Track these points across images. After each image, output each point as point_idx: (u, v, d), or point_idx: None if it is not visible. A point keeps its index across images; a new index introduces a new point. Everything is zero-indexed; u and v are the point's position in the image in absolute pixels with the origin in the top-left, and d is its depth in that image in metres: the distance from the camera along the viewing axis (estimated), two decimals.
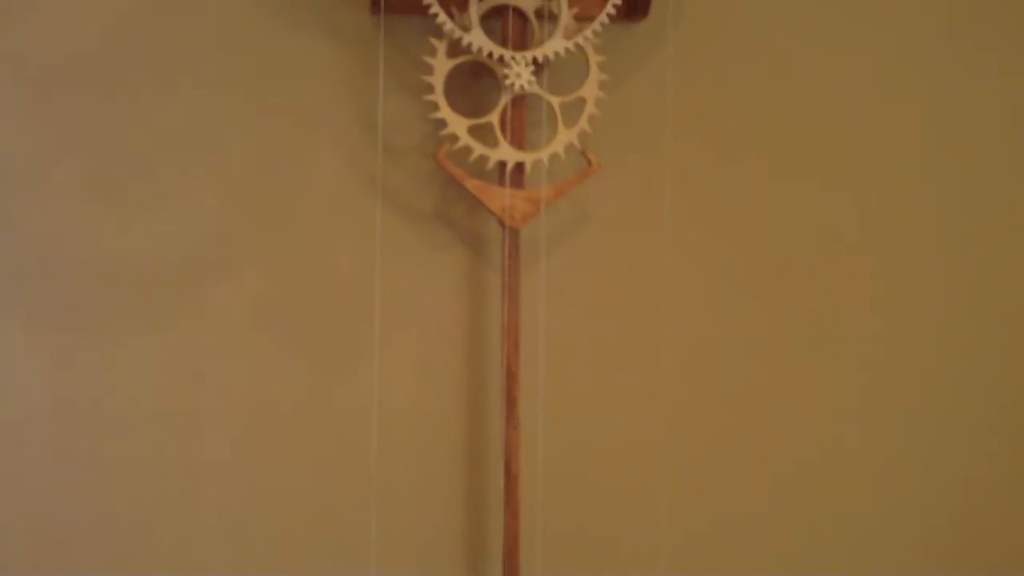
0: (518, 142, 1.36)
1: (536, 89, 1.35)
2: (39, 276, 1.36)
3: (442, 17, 1.31)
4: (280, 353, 1.41)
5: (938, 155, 1.55)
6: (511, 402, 1.37)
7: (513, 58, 1.33)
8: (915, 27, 1.54)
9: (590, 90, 1.37)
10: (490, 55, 1.33)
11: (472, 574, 1.45)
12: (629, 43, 1.45)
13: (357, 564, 1.41)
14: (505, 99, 1.35)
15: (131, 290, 1.37)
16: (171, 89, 1.38)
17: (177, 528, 1.40)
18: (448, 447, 1.44)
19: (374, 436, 1.40)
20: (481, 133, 1.35)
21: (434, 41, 1.34)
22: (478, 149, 1.35)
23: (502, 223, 1.36)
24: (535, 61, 1.34)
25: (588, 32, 1.35)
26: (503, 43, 1.35)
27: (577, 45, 1.35)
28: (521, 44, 1.36)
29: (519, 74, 1.34)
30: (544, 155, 1.36)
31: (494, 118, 1.35)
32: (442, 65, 1.34)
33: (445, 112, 1.34)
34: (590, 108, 1.37)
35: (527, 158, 1.36)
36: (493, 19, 1.36)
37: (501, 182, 1.36)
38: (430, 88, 1.34)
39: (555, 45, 1.34)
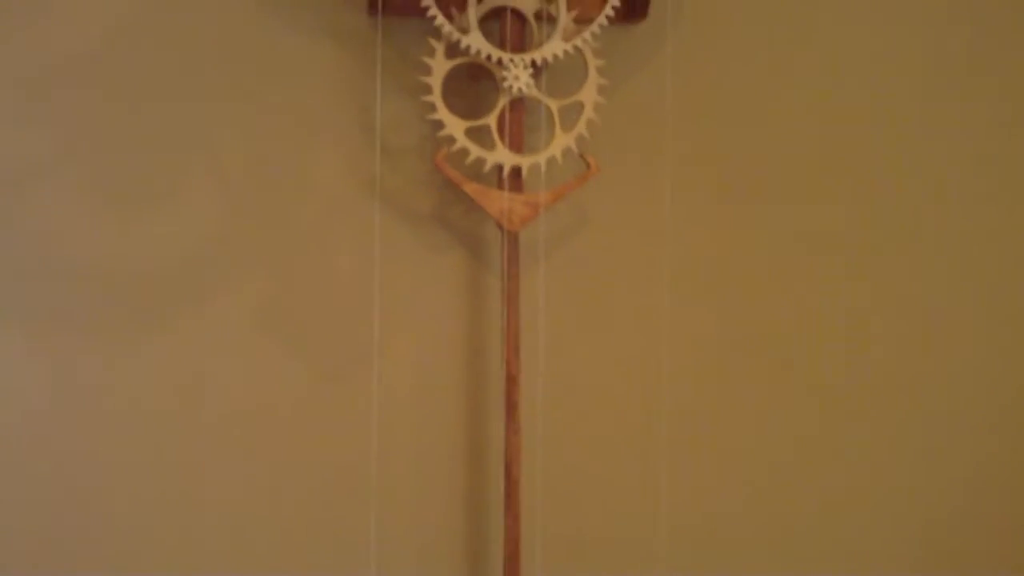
0: (516, 145, 1.36)
1: (534, 92, 1.34)
2: (38, 279, 1.35)
3: (440, 19, 1.31)
4: (279, 355, 1.40)
5: (938, 156, 1.55)
6: (511, 406, 1.36)
7: (511, 60, 1.33)
8: (914, 29, 1.54)
9: (588, 94, 1.36)
10: (488, 57, 1.33)
11: None
12: (628, 45, 1.45)
13: (357, 567, 1.41)
14: (503, 102, 1.34)
15: (130, 292, 1.37)
16: (170, 91, 1.37)
17: (177, 529, 1.39)
18: (448, 450, 1.44)
19: (374, 439, 1.40)
20: (479, 135, 1.35)
21: (433, 41, 1.33)
22: (475, 152, 1.34)
23: (501, 227, 1.35)
24: (534, 63, 1.33)
25: (587, 34, 1.34)
26: (502, 45, 1.34)
27: (576, 47, 1.34)
28: (520, 46, 1.35)
29: (517, 77, 1.33)
30: (541, 159, 1.35)
31: (492, 121, 1.35)
32: (440, 66, 1.34)
33: (443, 113, 1.33)
34: (588, 113, 1.36)
35: (524, 162, 1.35)
36: (492, 21, 1.36)
37: (499, 185, 1.36)
38: (428, 89, 1.33)
39: (554, 47, 1.34)
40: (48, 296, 1.35)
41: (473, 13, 1.32)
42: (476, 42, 1.32)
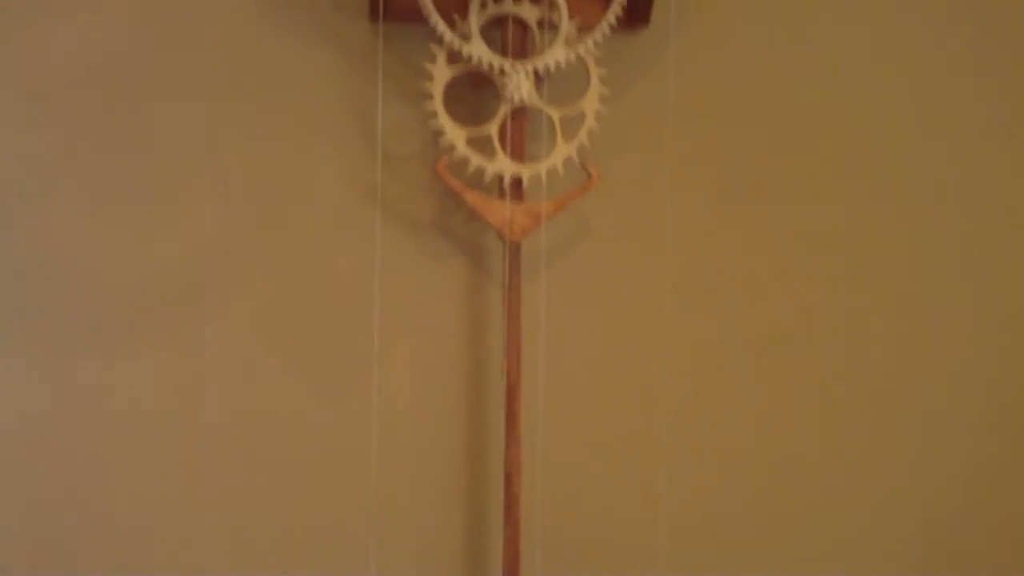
0: (517, 154, 1.35)
1: (536, 101, 1.33)
2: (37, 283, 1.35)
3: (441, 27, 1.30)
4: (278, 363, 1.40)
5: (939, 160, 1.54)
6: (512, 416, 1.36)
7: (513, 68, 1.32)
8: (917, 36, 1.53)
9: (590, 104, 1.36)
10: (490, 65, 1.32)
11: None
12: (630, 52, 1.44)
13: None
14: (504, 110, 1.34)
15: (130, 301, 1.37)
16: (170, 96, 1.37)
17: (177, 535, 1.39)
18: (448, 459, 1.43)
19: (374, 447, 1.39)
20: (480, 144, 1.34)
21: (434, 47, 1.32)
22: (475, 161, 1.33)
23: (502, 237, 1.35)
24: (535, 72, 1.33)
25: (589, 42, 1.33)
26: (504, 53, 1.33)
27: (578, 56, 1.33)
28: (522, 54, 1.34)
29: (519, 85, 1.32)
30: (542, 169, 1.35)
31: (493, 130, 1.34)
32: (442, 73, 1.33)
33: (444, 121, 1.33)
34: (590, 122, 1.35)
35: (525, 172, 1.34)
36: (494, 28, 1.35)
37: (500, 193, 1.35)
38: (429, 96, 1.33)
39: (555, 55, 1.33)
40: (47, 305, 1.35)
41: (475, 20, 1.31)
42: (478, 50, 1.31)
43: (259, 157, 1.39)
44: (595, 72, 1.35)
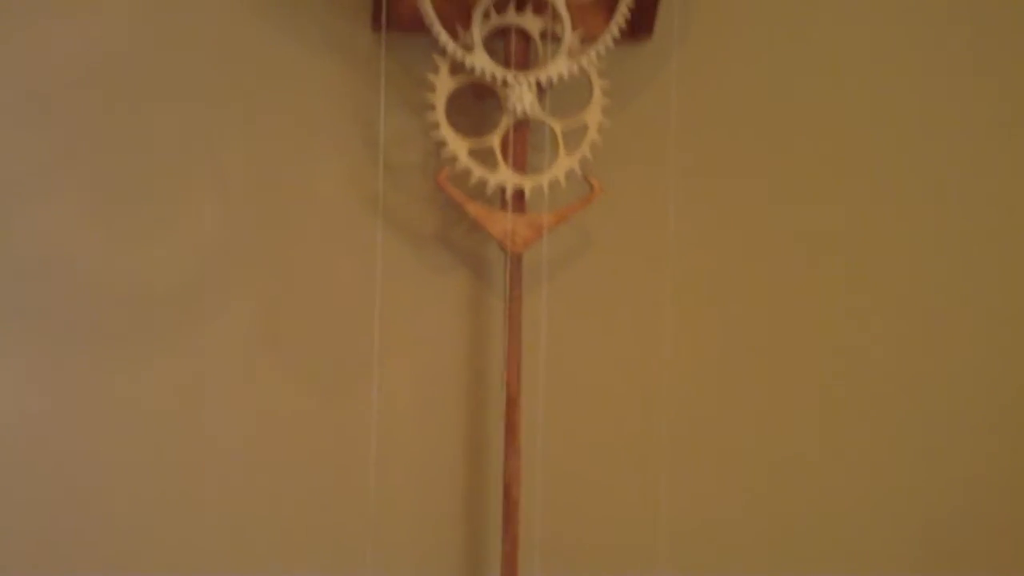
0: (519, 166, 1.35)
1: (538, 113, 1.33)
2: (37, 288, 1.35)
3: (444, 37, 1.30)
4: (278, 372, 1.40)
5: (939, 162, 1.54)
6: (512, 427, 1.36)
7: (516, 79, 1.32)
8: (917, 41, 1.53)
9: (593, 116, 1.35)
10: (493, 77, 1.31)
11: None
12: (633, 64, 1.44)
13: None
14: (507, 122, 1.33)
15: (129, 307, 1.36)
16: (171, 102, 1.37)
17: (176, 536, 1.39)
18: (447, 470, 1.43)
19: (372, 457, 1.39)
20: (482, 155, 1.34)
21: (437, 58, 1.32)
22: (477, 172, 1.33)
23: (503, 248, 1.35)
24: (538, 83, 1.32)
25: (592, 54, 1.33)
26: (506, 64, 1.33)
27: (581, 67, 1.33)
28: (525, 65, 1.34)
29: (521, 97, 1.32)
30: (544, 181, 1.34)
31: (495, 141, 1.34)
32: (444, 84, 1.32)
33: (446, 132, 1.32)
34: (592, 135, 1.35)
35: (527, 183, 1.34)
36: (497, 39, 1.34)
37: (502, 205, 1.35)
38: (431, 106, 1.32)
39: (559, 67, 1.32)
40: (47, 301, 1.35)
41: (478, 32, 1.31)
42: (480, 61, 1.31)
43: (261, 164, 1.39)
44: (598, 84, 1.35)
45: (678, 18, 1.44)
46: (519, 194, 1.35)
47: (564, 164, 1.35)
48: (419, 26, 1.30)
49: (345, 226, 1.40)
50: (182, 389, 1.38)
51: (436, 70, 1.32)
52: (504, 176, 1.34)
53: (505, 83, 1.32)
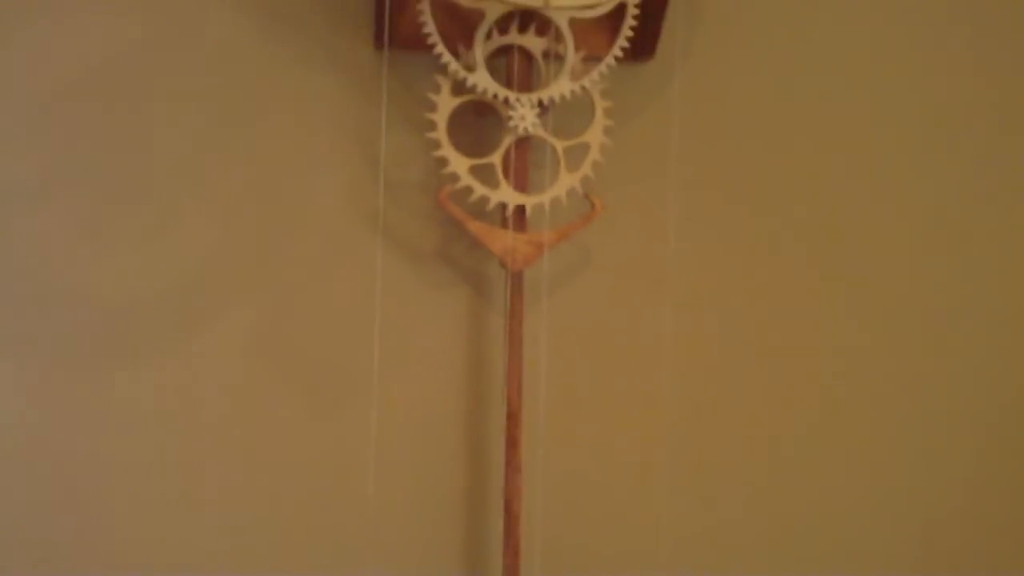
0: (521, 184, 1.35)
1: (540, 132, 1.33)
2: (29, 307, 1.35)
3: (446, 56, 1.30)
4: (276, 388, 1.40)
5: (939, 165, 1.55)
6: (512, 444, 1.36)
7: (518, 99, 1.32)
8: (925, 67, 1.53)
9: (595, 135, 1.35)
10: (495, 96, 1.32)
11: None
12: (635, 84, 1.44)
13: None
14: (508, 140, 1.34)
15: (126, 323, 1.37)
16: (172, 119, 1.37)
17: (175, 542, 1.39)
18: (447, 485, 1.43)
19: (371, 473, 1.39)
20: (483, 172, 1.34)
21: (439, 78, 1.32)
22: (479, 190, 1.33)
23: (504, 266, 1.35)
24: (540, 103, 1.32)
25: (595, 74, 1.33)
26: (508, 83, 1.33)
27: (583, 87, 1.33)
28: (527, 85, 1.34)
29: (523, 116, 1.32)
30: (545, 199, 1.35)
31: (496, 159, 1.34)
32: (446, 103, 1.33)
33: (447, 151, 1.33)
34: (594, 154, 1.35)
35: (528, 201, 1.34)
36: (499, 58, 1.34)
37: (503, 223, 1.35)
38: (433, 125, 1.32)
39: (561, 87, 1.32)
40: (39, 325, 1.35)
41: (480, 51, 1.31)
42: (482, 81, 1.31)
43: (262, 179, 1.39)
44: (600, 104, 1.35)
45: (680, 39, 1.44)
46: (520, 212, 1.35)
47: (565, 182, 1.35)
48: (421, 44, 1.30)
49: (345, 242, 1.40)
50: (181, 397, 1.38)
51: (438, 89, 1.32)
52: (505, 194, 1.34)
53: (507, 102, 1.32)
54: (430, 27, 1.29)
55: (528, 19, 1.33)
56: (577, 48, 1.33)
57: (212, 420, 1.39)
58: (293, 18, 1.38)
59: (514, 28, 1.33)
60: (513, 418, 1.36)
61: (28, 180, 1.34)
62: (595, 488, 1.47)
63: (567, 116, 1.36)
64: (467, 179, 1.33)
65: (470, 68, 1.31)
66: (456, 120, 1.33)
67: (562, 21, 1.31)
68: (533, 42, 1.34)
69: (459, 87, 1.32)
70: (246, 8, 1.37)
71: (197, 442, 1.39)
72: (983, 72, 1.55)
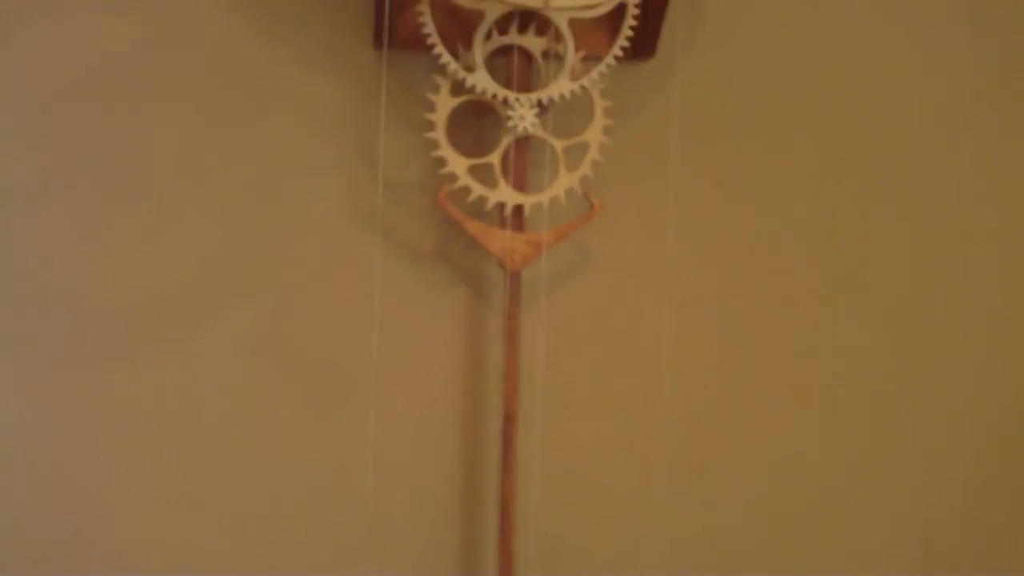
0: (519, 184, 1.35)
1: (539, 132, 1.33)
2: (27, 308, 1.35)
3: (446, 57, 1.30)
4: (275, 388, 1.40)
5: (942, 174, 1.54)
6: (509, 444, 1.36)
7: (517, 99, 1.32)
8: (925, 67, 1.53)
9: (594, 135, 1.35)
10: (494, 96, 1.31)
11: None
12: (634, 83, 1.44)
13: None
14: (507, 140, 1.34)
15: (124, 324, 1.36)
16: (170, 119, 1.36)
17: (175, 541, 1.39)
18: (444, 487, 1.43)
19: (369, 473, 1.40)
20: (482, 172, 1.34)
21: (438, 78, 1.32)
22: (477, 190, 1.33)
23: (503, 266, 1.35)
24: (539, 103, 1.32)
25: (594, 74, 1.33)
26: (508, 83, 1.33)
27: (583, 87, 1.33)
28: (526, 85, 1.34)
29: (523, 116, 1.32)
30: (544, 199, 1.34)
31: (495, 159, 1.34)
32: (445, 103, 1.32)
33: (445, 151, 1.33)
34: (593, 154, 1.35)
35: (527, 201, 1.34)
36: (499, 57, 1.34)
37: (501, 223, 1.35)
38: (431, 125, 1.32)
39: (560, 87, 1.32)
40: (38, 326, 1.35)
41: (479, 51, 1.31)
42: (482, 81, 1.31)
43: (261, 178, 1.38)
44: (599, 104, 1.35)
45: (681, 38, 1.43)
46: (518, 211, 1.35)
47: (564, 182, 1.35)
48: (420, 44, 1.30)
49: (344, 242, 1.40)
50: (179, 397, 1.38)
51: (437, 89, 1.32)
52: (504, 194, 1.34)
53: (506, 102, 1.32)
54: (430, 27, 1.29)
55: (528, 19, 1.33)
56: (577, 48, 1.32)
57: (210, 420, 1.39)
58: (292, 18, 1.38)
59: (514, 28, 1.33)
60: (510, 419, 1.36)
61: (27, 180, 1.34)
62: (593, 489, 1.47)
63: (566, 116, 1.36)
64: (465, 179, 1.33)
65: (469, 68, 1.31)
66: (455, 120, 1.33)
67: (562, 21, 1.31)
68: (533, 42, 1.34)
69: (458, 87, 1.32)
70: (245, 8, 1.37)
71: (196, 442, 1.38)
72: (983, 72, 1.55)
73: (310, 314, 1.40)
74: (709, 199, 1.48)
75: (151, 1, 1.35)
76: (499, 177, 1.34)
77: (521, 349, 1.37)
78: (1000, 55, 1.55)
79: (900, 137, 1.53)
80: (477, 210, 1.35)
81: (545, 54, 1.34)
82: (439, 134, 1.32)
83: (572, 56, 1.32)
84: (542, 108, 1.33)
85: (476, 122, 1.38)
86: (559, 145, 1.35)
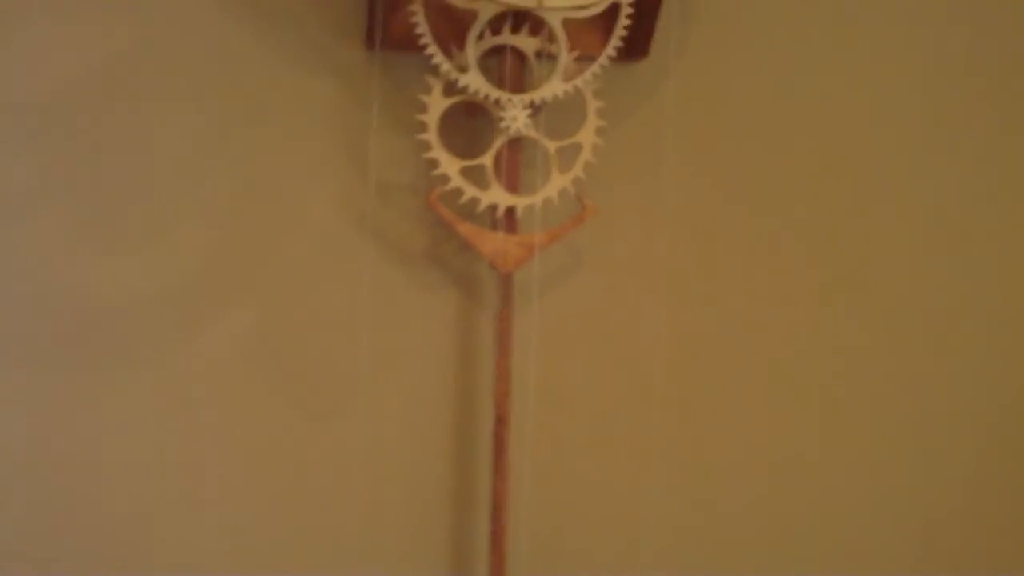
0: (512, 185, 1.34)
1: (532, 133, 1.33)
2: (21, 312, 1.34)
3: (438, 57, 1.29)
4: (265, 391, 1.39)
5: (941, 177, 1.54)
6: (500, 447, 1.36)
7: (510, 100, 1.31)
8: (920, 66, 1.53)
9: (587, 136, 1.35)
10: (486, 97, 1.31)
11: None
12: (628, 84, 1.43)
13: None
14: (500, 141, 1.33)
15: (115, 327, 1.36)
16: (160, 121, 1.36)
17: (167, 545, 1.39)
18: (435, 488, 1.43)
19: (361, 476, 1.39)
20: (474, 173, 1.33)
21: (430, 79, 1.31)
22: (469, 191, 1.33)
23: (495, 268, 1.34)
24: (532, 104, 1.32)
25: (587, 74, 1.32)
26: (500, 83, 1.32)
27: (576, 88, 1.32)
28: (519, 85, 1.33)
29: (515, 117, 1.31)
30: (537, 200, 1.34)
31: (487, 160, 1.33)
32: (437, 104, 1.32)
33: (438, 152, 1.32)
34: (586, 155, 1.35)
35: (519, 202, 1.34)
36: (491, 57, 1.34)
37: (493, 224, 1.34)
38: (423, 127, 1.32)
39: (553, 87, 1.32)
40: (31, 331, 1.34)
41: (472, 51, 1.30)
42: (475, 82, 1.30)
43: (251, 180, 1.38)
44: (592, 105, 1.35)
45: (674, 38, 1.43)
46: (510, 213, 1.34)
47: (557, 184, 1.35)
48: (413, 45, 1.29)
49: (335, 243, 1.39)
50: (173, 399, 1.38)
51: (429, 90, 1.32)
52: (496, 195, 1.33)
53: (498, 103, 1.31)
54: (422, 28, 1.28)
55: (521, 19, 1.33)
56: (570, 48, 1.32)
57: (201, 421, 1.38)
58: (284, 18, 1.37)
59: (507, 28, 1.32)
60: (501, 422, 1.36)
61: (17, 188, 1.34)
62: (585, 492, 1.47)
63: (559, 116, 1.35)
64: (457, 180, 1.33)
65: (462, 69, 1.30)
66: (447, 120, 1.32)
67: (555, 21, 1.30)
68: (526, 42, 1.33)
69: (450, 88, 1.31)
70: (235, 8, 1.36)
71: (189, 443, 1.38)
72: (983, 72, 1.54)
73: (301, 315, 1.40)
74: (703, 200, 1.47)
75: (141, 3, 1.35)
76: (491, 178, 1.33)
77: (513, 351, 1.36)
78: (1000, 55, 1.55)
79: (897, 137, 1.52)
80: (469, 212, 1.34)
81: (538, 54, 1.34)
82: (431, 135, 1.32)
83: (565, 56, 1.31)
84: (535, 109, 1.32)
85: (469, 123, 1.37)
86: (552, 146, 1.34)
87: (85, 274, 1.35)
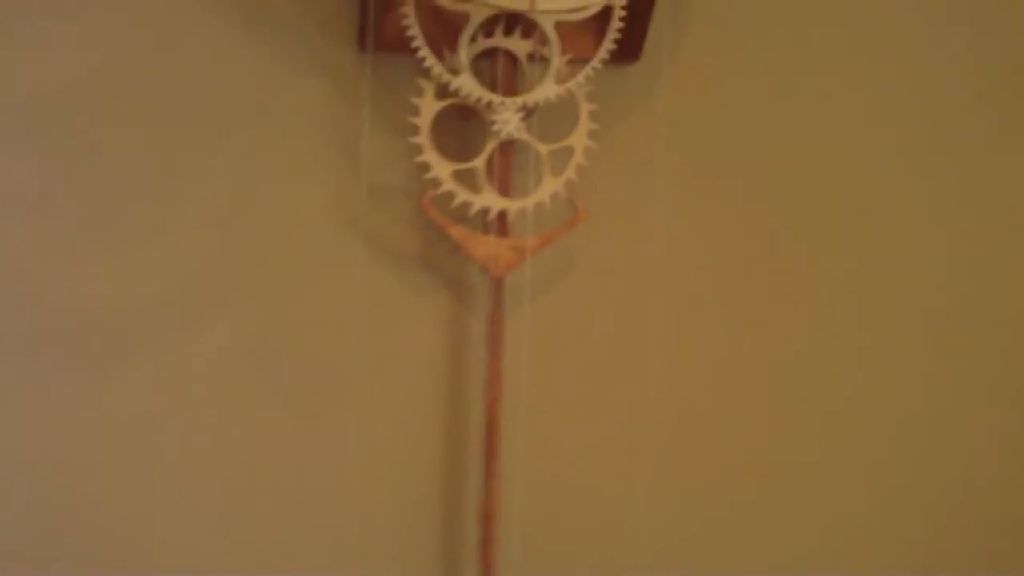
0: (504, 189, 1.34)
1: (524, 136, 1.32)
2: (20, 312, 1.34)
3: (430, 60, 1.29)
4: (256, 394, 1.39)
5: (941, 180, 1.54)
6: (491, 452, 1.36)
7: (502, 103, 1.31)
8: (920, 67, 1.52)
9: (579, 139, 1.34)
10: (478, 100, 1.30)
11: None
12: (620, 87, 1.43)
13: None
14: (492, 144, 1.32)
15: (111, 327, 1.36)
16: (153, 124, 1.36)
17: (165, 545, 1.39)
18: (426, 493, 1.43)
19: (352, 479, 1.39)
20: (466, 176, 1.33)
21: (422, 81, 1.31)
22: (461, 195, 1.32)
23: (486, 271, 1.34)
24: (524, 107, 1.31)
25: (580, 77, 1.32)
26: (493, 86, 1.32)
27: (568, 91, 1.32)
28: (511, 88, 1.33)
29: (507, 120, 1.31)
30: (529, 203, 1.34)
31: (479, 163, 1.33)
32: (429, 106, 1.31)
33: (429, 155, 1.32)
34: (578, 158, 1.34)
35: (511, 206, 1.33)
36: (483, 60, 1.33)
37: (485, 227, 1.34)
38: (415, 130, 1.31)
39: (546, 91, 1.31)
40: (26, 333, 1.34)
41: (465, 54, 1.30)
42: (467, 84, 1.30)
43: (243, 182, 1.38)
44: (585, 108, 1.34)
45: (667, 41, 1.42)
46: (502, 217, 1.34)
47: (549, 187, 1.34)
48: (405, 48, 1.29)
49: (326, 246, 1.39)
50: (168, 401, 1.38)
51: (421, 93, 1.31)
52: (489, 199, 1.33)
53: (491, 106, 1.31)
54: (414, 30, 1.28)
55: (513, 22, 1.32)
56: (563, 51, 1.31)
57: (195, 423, 1.38)
58: (275, 19, 1.37)
59: (499, 31, 1.32)
60: (492, 426, 1.36)
61: (12, 191, 1.34)
62: (577, 497, 1.47)
63: (551, 119, 1.35)
64: (449, 184, 1.32)
65: (454, 71, 1.30)
66: (439, 123, 1.32)
67: (548, 24, 1.30)
68: (518, 45, 1.33)
69: (442, 91, 1.31)
70: (226, 9, 1.36)
71: (183, 444, 1.38)
72: (983, 72, 1.54)
73: (292, 318, 1.39)
74: (695, 203, 1.47)
75: (131, 3, 1.34)
76: (483, 182, 1.33)
77: (504, 356, 1.36)
78: (1001, 55, 1.54)
79: (894, 137, 1.52)
80: (461, 215, 1.34)
81: (530, 57, 1.33)
82: (423, 138, 1.31)
83: (558, 59, 1.31)
84: (527, 112, 1.32)
85: (461, 126, 1.37)
86: (544, 149, 1.34)
87: (83, 274, 1.35)
